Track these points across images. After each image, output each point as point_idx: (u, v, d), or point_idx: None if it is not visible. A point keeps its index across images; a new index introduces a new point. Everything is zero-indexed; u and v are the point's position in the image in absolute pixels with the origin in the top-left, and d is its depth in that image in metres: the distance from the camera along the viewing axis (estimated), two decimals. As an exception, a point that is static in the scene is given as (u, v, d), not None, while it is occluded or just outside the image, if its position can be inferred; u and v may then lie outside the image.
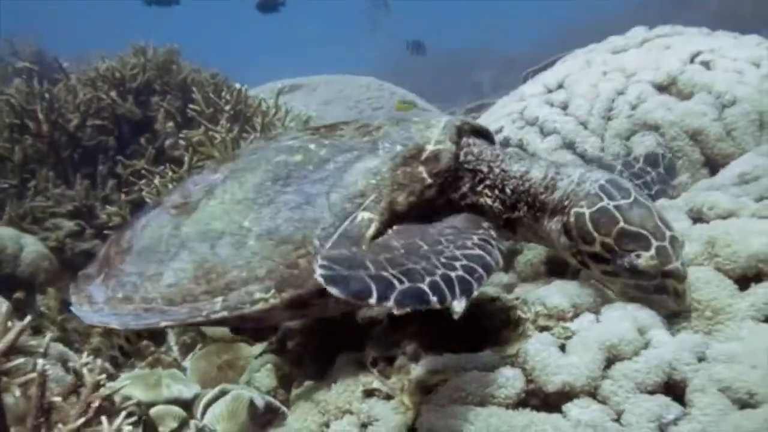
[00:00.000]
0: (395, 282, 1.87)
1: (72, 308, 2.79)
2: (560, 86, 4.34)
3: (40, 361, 2.21)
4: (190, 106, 6.64)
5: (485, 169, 2.60)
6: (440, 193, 2.52)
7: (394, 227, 2.31)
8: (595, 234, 2.28)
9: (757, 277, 2.23)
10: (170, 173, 5.75)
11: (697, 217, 2.65)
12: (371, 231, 2.30)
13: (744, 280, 2.25)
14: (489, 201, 2.58)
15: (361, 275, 1.90)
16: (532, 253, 2.96)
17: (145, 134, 6.84)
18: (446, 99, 22.03)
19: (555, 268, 2.87)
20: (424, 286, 1.89)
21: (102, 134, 6.82)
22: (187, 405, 3.86)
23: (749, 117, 3.71)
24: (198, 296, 2.41)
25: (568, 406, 1.93)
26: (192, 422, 3.71)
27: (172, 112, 7.01)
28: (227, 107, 6.39)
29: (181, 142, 6.32)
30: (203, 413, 3.74)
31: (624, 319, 2.09)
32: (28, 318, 2.61)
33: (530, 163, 2.62)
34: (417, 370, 2.17)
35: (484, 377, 2.09)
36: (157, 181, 5.66)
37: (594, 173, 2.48)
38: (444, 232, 2.28)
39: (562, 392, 1.97)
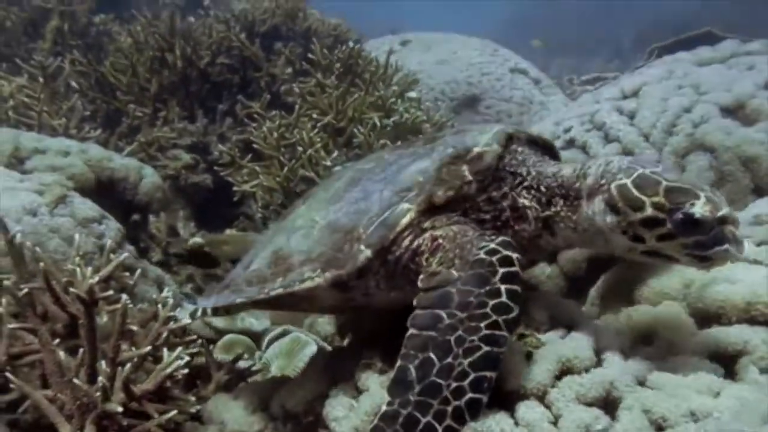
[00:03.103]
0: None
1: (198, 301, 3.38)
2: (635, 94, 4.53)
3: (124, 296, 2.79)
4: (309, 55, 7.10)
5: (524, 172, 2.74)
6: (480, 191, 2.69)
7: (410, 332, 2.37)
8: (644, 197, 2.32)
9: (717, 319, 2.52)
10: (278, 120, 6.23)
11: (696, 253, 2.91)
12: (406, 219, 2.59)
13: (707, 321, 2.55)
14: (527, 201, 2.71)
15: None
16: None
17: (265, 78, 7.38)
18: (581, 54, 21.54)
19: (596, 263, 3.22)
20: None
21: (228, 73, 7.39)
22: (256, 337, 4.49)
23: (806, 153, 3.84)
24: (267, 277, 2.84)
25: (518, 405, 2.27)
26: (257, 353, 4.35)
27: (292, 59, 7.50)
28: (338, 64, 6.80)
29: (296, 90, 6.82)
30: (267, 347, 4.38)
31: (586, 339, 2.43)
32: (125, 254, 3.23)
33: (562, 165, 2.77)
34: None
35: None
36: (265, 127, 6.20)
37: (618, 157, 2.57)
38: (454, 320, 2.31)
39: (517, 393, 2.31)
